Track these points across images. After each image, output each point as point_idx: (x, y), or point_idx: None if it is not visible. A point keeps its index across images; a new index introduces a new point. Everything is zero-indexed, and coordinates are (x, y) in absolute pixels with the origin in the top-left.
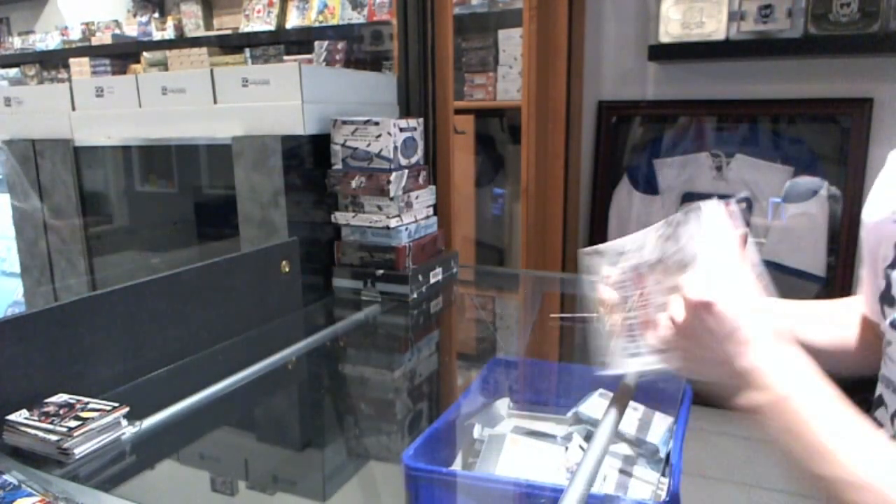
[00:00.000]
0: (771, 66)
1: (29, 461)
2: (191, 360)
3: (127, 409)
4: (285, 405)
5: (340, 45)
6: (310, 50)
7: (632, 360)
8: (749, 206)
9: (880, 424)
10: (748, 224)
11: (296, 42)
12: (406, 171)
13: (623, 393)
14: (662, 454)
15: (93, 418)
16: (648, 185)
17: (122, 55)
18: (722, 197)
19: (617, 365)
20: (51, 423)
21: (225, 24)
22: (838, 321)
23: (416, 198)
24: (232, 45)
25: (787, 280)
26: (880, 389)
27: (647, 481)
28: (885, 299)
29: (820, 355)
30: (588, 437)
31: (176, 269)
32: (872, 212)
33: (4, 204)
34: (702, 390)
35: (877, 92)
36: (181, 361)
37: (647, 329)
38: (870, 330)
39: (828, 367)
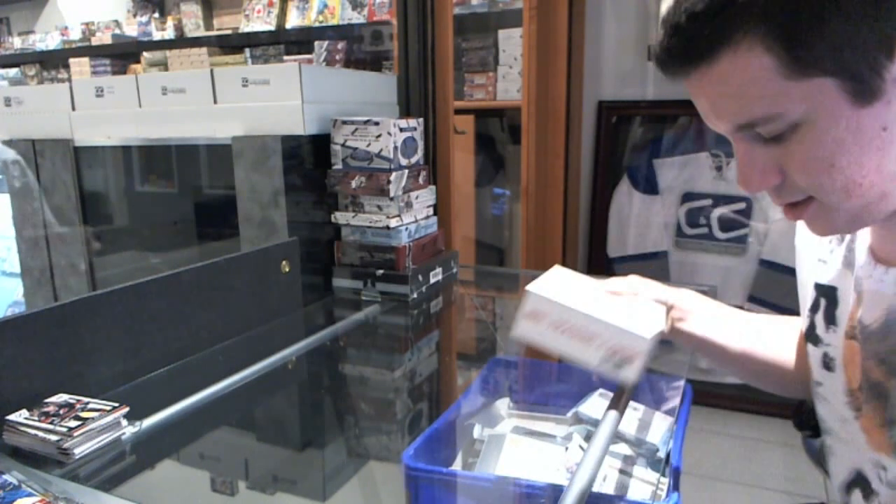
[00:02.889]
0: None
1: (29, 461)
2: (191, 360)
3: (127, 409)
4: (285, 405)
5: (340, 45)
6: (310, 50)
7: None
8: (749, 206)
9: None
10: (748, 224)
11: (296, 42)
12: (406, 171)
13: (623, 393)
14: (662, 454)
15: (93, 418)
16: (648, 185)
17: (122, 55)
18: (722, 197)
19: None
20: (51, 423)
21: (225, 24)
22: (780, 338)
23: (416, 198)
24: (232, 45)
25: (786, 280)
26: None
27: (647, 481)
28: (810, 338)
29: (763, 369)
30: (588, 437)
31: (176, 269)
32: (802, 243)
33: (4, 204)
34: (702, 390)
35: None
36: (181, 361)
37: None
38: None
39: (770, 383)
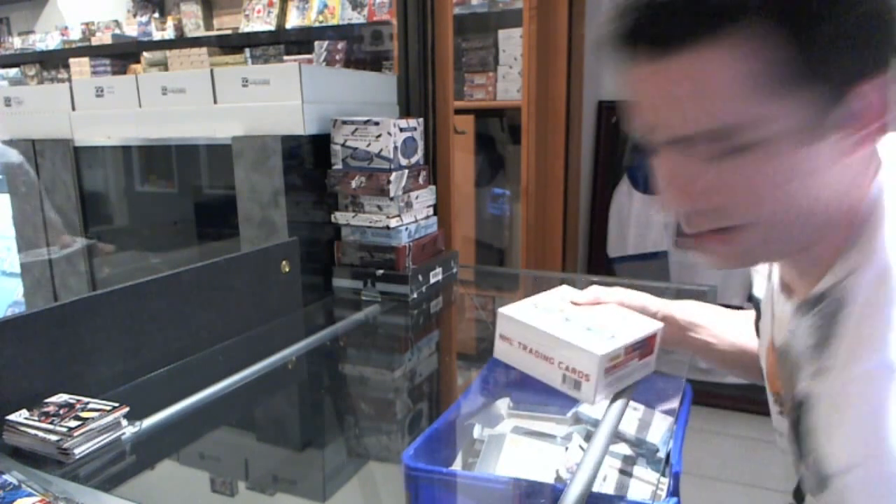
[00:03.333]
0: None
1: (29, 461)
2: (191, 360)
3: (127, 409)
4: (285, 405)
5: (340, 45)
6: (310, 50)
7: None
8: None
9: None
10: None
11: (296, 42)
12: (406, 171)
13: (623, 393)
14: (662, 454)
15: (93, 418)
16: (648, 185)
17: (122, 55)
18: None
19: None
20: (51, 423)
21: (225, 24)
22: (749, 323)
23: (416, 198)
24: (232, 45)
25: None
26: None
27: (647, 481)
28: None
29: (727, 353)
30: (588, 437)
31: (176, 269)
32: None
33: (4, 204)
34: (702, 390)
35: None
36: (181, 361)
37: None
38: None
39: (735, 367)
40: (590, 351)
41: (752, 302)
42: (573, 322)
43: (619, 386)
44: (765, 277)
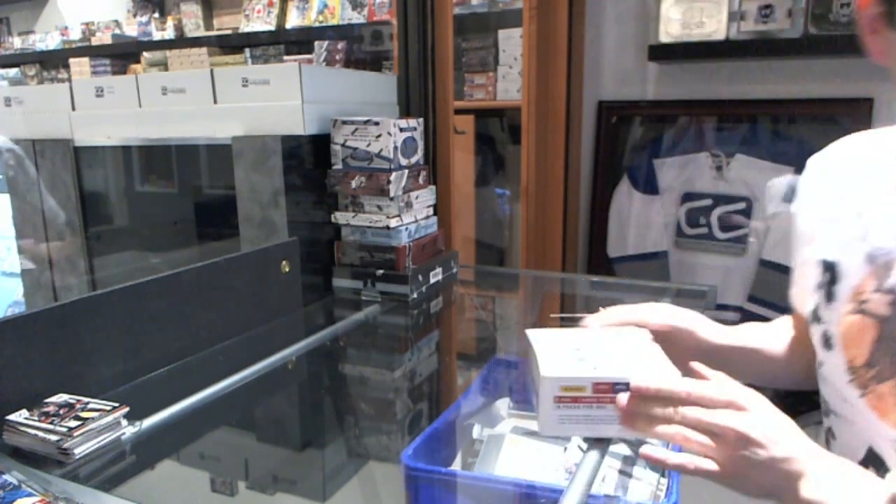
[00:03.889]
0: (771, 66)
1: (29, 461)
2: (191, 360)
3: (127, 409)
4: (285, 405)
5: (340, 45)
6: (310, 50)
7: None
8: (749, 206)
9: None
10: (748, 224)
11: (296, 42)
12: (406, 171)
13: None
14: None
15: (93, 418)
16: (648, 185)
17: (122, 55)
18: (722, 197)
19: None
20: (51, 423)
21: (225, 24)
22: (771, 328)
23: (416, 198)
24: (232, 45)
25: (787, 280)
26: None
27: (647, 481)
28: (814, 317)
29: (748, 357)
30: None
31: (176, 269)
32: (803, 215)
33: (4, 204)
34: None
35: (877, 92)
36: (181, 361)
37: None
38: (801, 340)
39: (757, 372)
40: (541, 371)
41: (825, 267)
42: (581, 350)
43: (594, 432)
44: (855, 238)
